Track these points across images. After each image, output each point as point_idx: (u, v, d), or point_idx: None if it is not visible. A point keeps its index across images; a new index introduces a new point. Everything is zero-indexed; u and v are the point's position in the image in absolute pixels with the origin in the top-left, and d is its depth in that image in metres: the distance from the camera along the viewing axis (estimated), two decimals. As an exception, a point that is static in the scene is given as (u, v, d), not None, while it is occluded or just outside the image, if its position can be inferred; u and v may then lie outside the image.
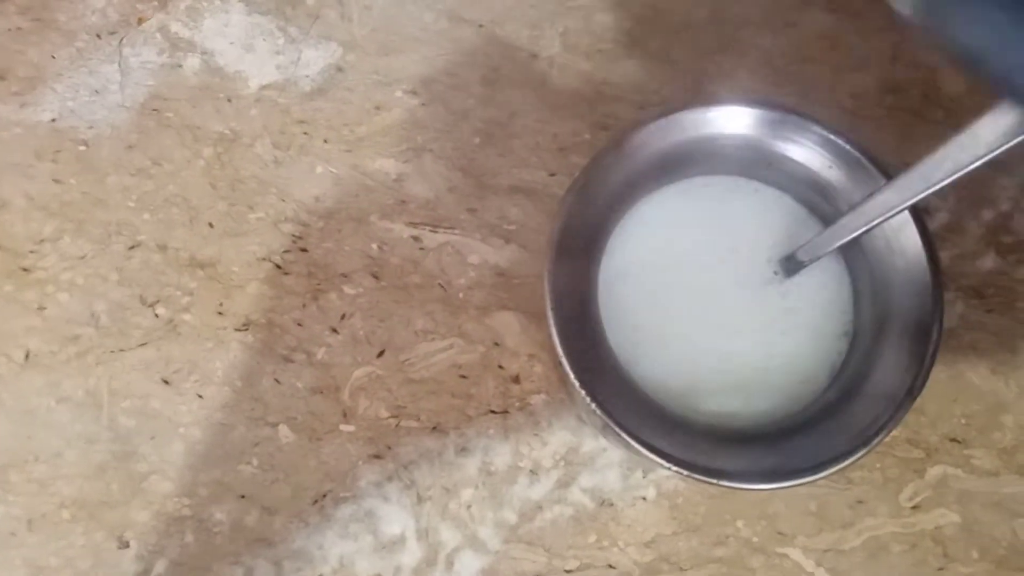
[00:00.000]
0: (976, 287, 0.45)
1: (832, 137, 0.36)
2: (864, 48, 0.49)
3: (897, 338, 0.34)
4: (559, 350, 0.33)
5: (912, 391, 0.32)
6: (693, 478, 0.32)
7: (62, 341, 0.45)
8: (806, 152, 0.36)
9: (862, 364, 0.35)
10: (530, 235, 0.46)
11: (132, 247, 0.46)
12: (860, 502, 0.43)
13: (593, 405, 0.32)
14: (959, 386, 0.44)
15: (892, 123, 0.48)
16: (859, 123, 0.47)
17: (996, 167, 0.46)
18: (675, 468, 0.32)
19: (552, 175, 0.47)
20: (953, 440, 0.44)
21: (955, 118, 0.47)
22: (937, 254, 0.34)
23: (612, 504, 0.43)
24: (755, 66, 0.48)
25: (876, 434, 0.32)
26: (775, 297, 0.37)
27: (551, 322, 0.34)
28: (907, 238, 0.34)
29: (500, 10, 0.49)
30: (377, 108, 0.48)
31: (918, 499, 0.43)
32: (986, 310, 0.45)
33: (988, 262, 0.46)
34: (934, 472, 0.44)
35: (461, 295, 0.45)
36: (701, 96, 0.48)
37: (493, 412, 0.44)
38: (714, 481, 0.32)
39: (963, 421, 0.44)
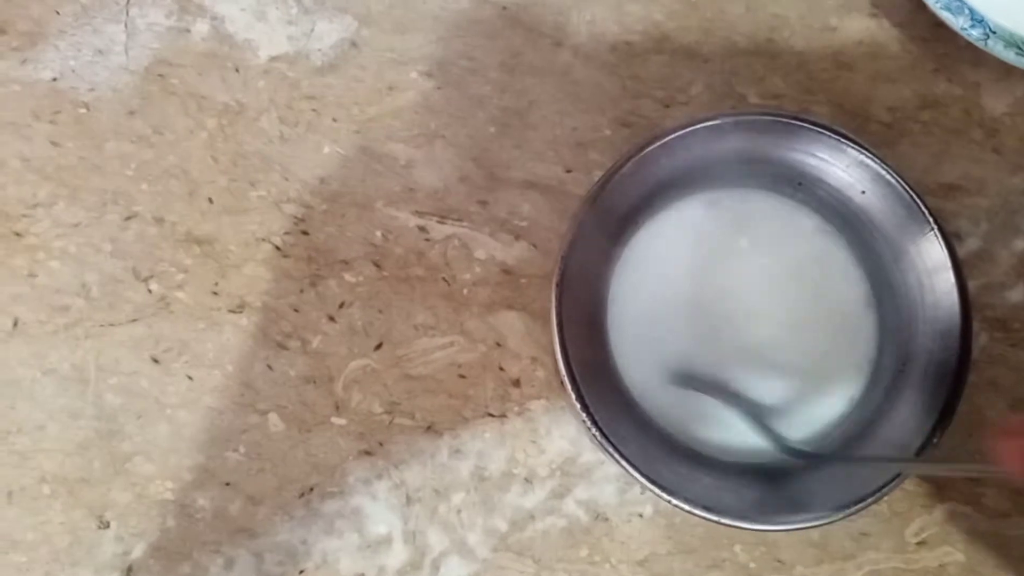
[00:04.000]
0: (1002, 319, 0.43)
1: (868, 161, 0.34)
2: (905, 58, 0.46)
3: (918, 381, 0.32)
4: (562, 369, 0.32)
5: (927, 443, 0.31)
6: (693, 513, 0.31)
7: (51, 311, 0.43)
8: (839, 174, 0.34)
9: (879, 405, 0.33)
10: (541, 233, 0.44)
11: (128, 218, 0.44)
12: (864, 534, 0.42)
13: (594, 431, 0.31)
14: (976, 421, 0.43)
15: (929, 140, 0.45)
16: (893, 138, 0.45)
17: (1034, 195, 0.44)
18: (673, 501, 0.31)
19: (568, 171, 0.45)
20: (965, 477, 0.42)
21: (996, 139, 0.45)
22: (969, 299, 0.32)
23: (607, 519, 0.42)
24: (789, 70, 0.46)
25: (883, 486, 0.31)
26: (795, 326, 0.35)
27: (555, 337, 0.32)
28: (940, 276, 0.32)
29: (526, -7, 0.47)
30: (390, 88, 0.45)
31: (924, 535, 0.42)
32: (1010, 344, 0.43)
33: (1017, 294, 0.44)
34: (943, 508, 0.42)
35: (465, 291, 0.44)
36: (730, 98, 0.45)
37: (491, 415, 0.43)
38: (712, 518, 0.31)
39: (977, 458, 0.42)
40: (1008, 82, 0.45)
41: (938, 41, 0.46)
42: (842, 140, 0.34)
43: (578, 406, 0.32)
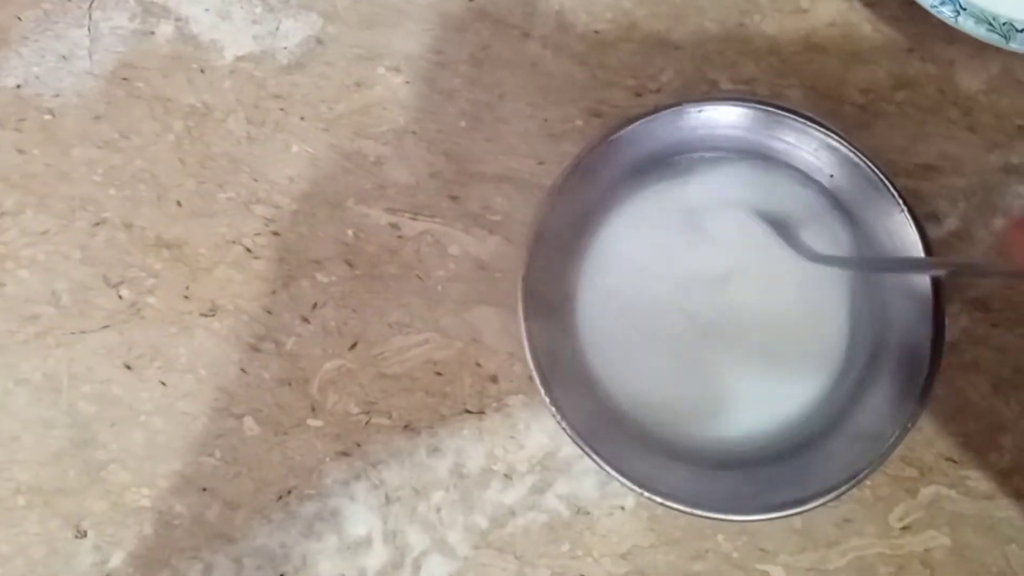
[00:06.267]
0: (982, 300, 0.43)
1: (835, 143, 0.33)
2: (877, 38, 0.46)
3: (891, 367, 0.32)
4: (531, 363, 0.31)
5: (903, 429, 0.30)
6: (667, 506, 0.30)
7: (21, 320, 0.43)
8: (807, 158, 0.34)
9: (851, 393, 0.33)
10: (515, 227, 0.44)
11: (96, 224, 0.44)
12: (847, 520, 0.41)
13: (565, 425, 0.30)
14: (957, 403, 0.42)
15: (904, 121, 0.45)
16: (868, 119, 0.45)
17: (1011, 172, 0.44)
18: (646, 494, 0.30)
19: (541, 163, 0.44)
20: (949, 460, 0.42)
21: (971, 116, 0.45)
22: (941, 282, 0.32)
23: (588, 512, 0.41)
24: (760, 54, 0.45)
25: (860, 472, 0.30)
26: (765, 313, 0.35)
27: (523, 331, 0.32)
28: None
29: (493, -16, 0.46)
30: (358, 85, 0.45)
31: (908, 520, 0.41)
32: (991, 324, 0.43)
33: (996, 273, 0.43)
34: (927, 492, 0.42)
35: (439, 287, 0.43)
36: (702, 85, 0.45)
37: (468, 412, 0.42)
38: (688, 510, 0.30)
39: (960, 440, 0.42)
40: (982, 59, 0.45)
41: (910, 20, 0.45)
42: (808, 123, 0.33)
43: (547, 400, 0.31)
